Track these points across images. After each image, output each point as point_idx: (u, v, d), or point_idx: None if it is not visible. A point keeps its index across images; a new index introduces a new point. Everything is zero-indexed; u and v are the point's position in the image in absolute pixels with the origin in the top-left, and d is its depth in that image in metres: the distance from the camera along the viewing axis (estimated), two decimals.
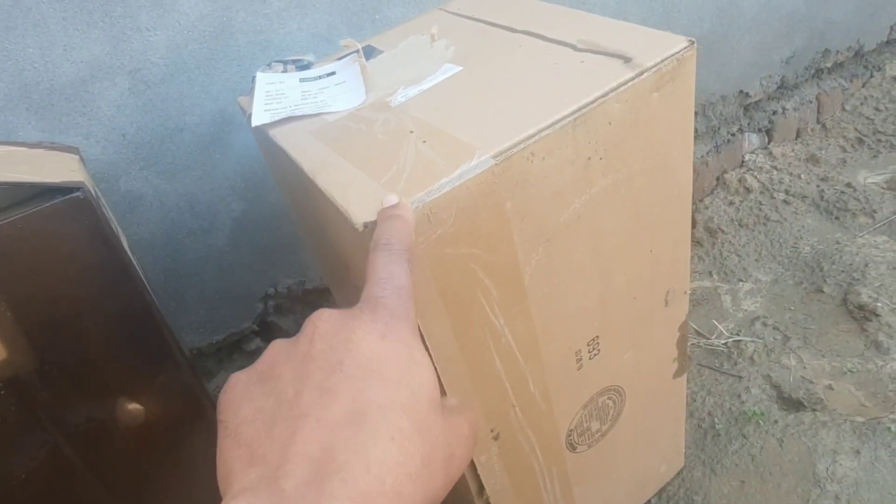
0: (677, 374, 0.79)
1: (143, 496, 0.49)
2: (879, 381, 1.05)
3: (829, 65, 1.60)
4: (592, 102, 0.49)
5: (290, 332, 1.10)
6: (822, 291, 1.24)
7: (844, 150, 1.60)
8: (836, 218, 1.41)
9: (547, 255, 0.53)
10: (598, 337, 0.64)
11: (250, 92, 0.67)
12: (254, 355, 1.07)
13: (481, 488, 0.65)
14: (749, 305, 1.27)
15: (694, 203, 1.52)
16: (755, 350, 1.14)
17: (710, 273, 1.38)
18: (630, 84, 0.50)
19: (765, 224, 1.44)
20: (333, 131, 0.55)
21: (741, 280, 1.33)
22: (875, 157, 1.58)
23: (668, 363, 0.77)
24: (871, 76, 1.71)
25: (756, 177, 1.52)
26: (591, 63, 0.53)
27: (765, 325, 1.20)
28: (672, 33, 0.54)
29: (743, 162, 1.56)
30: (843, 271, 1.26)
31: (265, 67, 0.69)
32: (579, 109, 0.48)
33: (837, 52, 1.60)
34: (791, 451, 0.94)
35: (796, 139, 1.63)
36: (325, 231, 0.56)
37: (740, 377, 1.09)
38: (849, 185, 1.47)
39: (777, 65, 1.49)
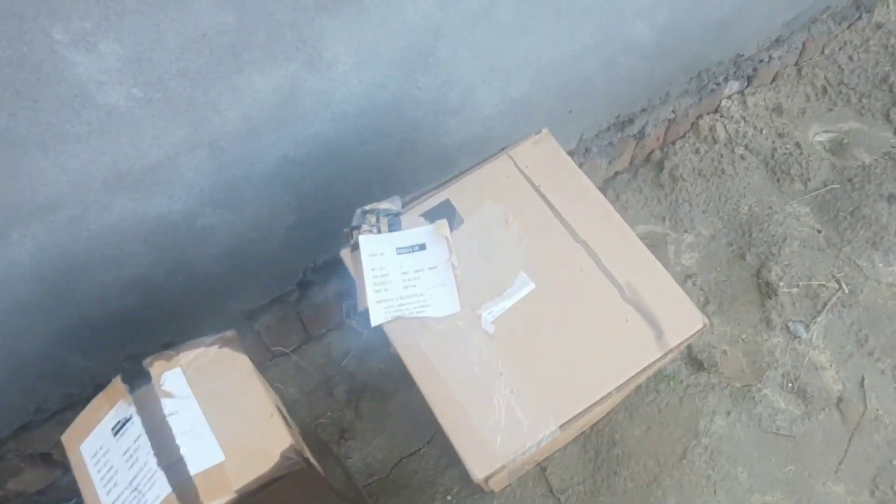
0: None
1: None
2: (759, 352, 1.43)
3: (825, 16, 1.66)
4: (629, 380, 0.71)
5: (322, 283, 1.31)
6: (745, 259, 1.55)
7: (807, 100, 1.76)
8: (778, 180, 1.65)
9: None
10: None
11: (352, 249, 0.80)
12: (290, 303, 1.29)
13: None
14: (686, 260, 1.57)
15: (665, 146, 1.69)
16: None
17: (664, 219, 1.63)
18: (656, 362, 0.72)
19: (719, 177, 1.66)
20: (440, 350, 0.74)
21: (686, 231, 1.61)
22: (830, 110, 1.75)
23: None
24: (860, 18, 1.78)
25: (725, 127, 1.69)
26: (632, 327, 0.73)
27: (694, 284, 1.52)
28: (693, 305, 0.73)
29: (718, 107, 1.70)
30: (765, 241, 1.56)
31: (360, 217, 0.81)
32: (619, 387, 0.70)
33: (838, 6, 1.64)
34: (686, 408, 1.35)
35: (771, 83, 1.75)
36: None
37: None
38: (797, 144, 1.68)
39: (778, 27, 1.55)
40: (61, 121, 0.74)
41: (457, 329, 0.75)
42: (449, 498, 1.34)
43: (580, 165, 1.53)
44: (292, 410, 1.33)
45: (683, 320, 0.73)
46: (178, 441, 0.61)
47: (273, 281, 1.22)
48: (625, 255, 0.77)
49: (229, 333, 0.72)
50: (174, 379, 0.66)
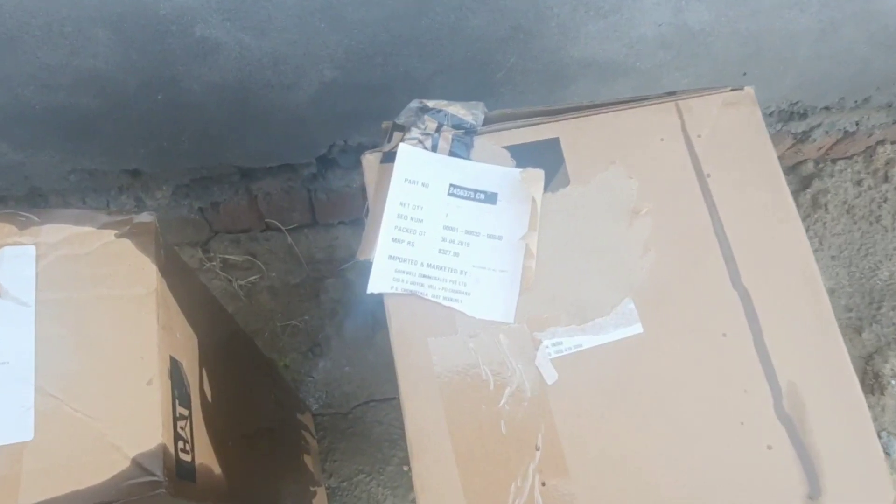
0: None
1: None
2: None
3: None
4: None
5: (349, 168, 1.02)
6: (860, 334, 1.22)
7: None
8: None
9: None
10: None
11: (382, 158, 0.50)
12: (304, 177, 1.01)
13: None
14: None
15: (823, 160, 1.31)
16: None
17: None
18: None
19: (871, 223, 1.29)
20: (459, 372, 0.45)
21: None
22: None
23: None
24: None
25: None
26: (774, 462, 0.43)
27: None
28: (885, 466, 0.43)
29: None
30: (893, 324, 1.22)
31: (414, 113, 0.50)
32: None
33: None
34: None
35: None
36: None
37: None
38: None
39: None
40: None
41: (496, 348, 0.46)
42: (406, 468, 1.11)
43: None
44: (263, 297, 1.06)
45: (860, 485, 0.43)
46: None
47: (287, 145, 0.93)
48: (803, 340, 0.45)
49: (145, 218, 0.43)
50: (18, 263, 0.39)
